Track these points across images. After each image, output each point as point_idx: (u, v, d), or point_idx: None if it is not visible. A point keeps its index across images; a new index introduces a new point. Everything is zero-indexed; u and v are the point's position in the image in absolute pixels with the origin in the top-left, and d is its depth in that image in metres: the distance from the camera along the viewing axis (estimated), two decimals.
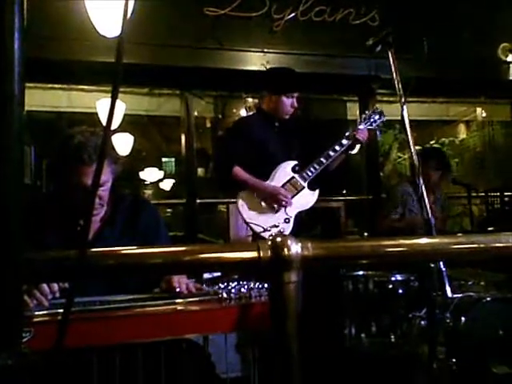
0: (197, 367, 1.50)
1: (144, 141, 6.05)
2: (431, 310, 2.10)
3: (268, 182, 2.86)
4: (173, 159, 6.52)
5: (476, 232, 3.51)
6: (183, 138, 4.55)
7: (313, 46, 4.24)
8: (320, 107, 5.45)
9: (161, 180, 6.74)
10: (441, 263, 1.96)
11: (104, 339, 1.37)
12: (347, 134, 2.97)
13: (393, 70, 2.26)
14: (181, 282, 1.65)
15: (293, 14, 4.21)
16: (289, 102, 2.93)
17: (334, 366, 2.47)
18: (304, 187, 2.88)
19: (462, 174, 6.14)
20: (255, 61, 4.18)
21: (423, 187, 2.13)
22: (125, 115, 4.69)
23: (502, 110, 5.60)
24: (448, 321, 2.04)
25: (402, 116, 2.24)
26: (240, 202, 2.84)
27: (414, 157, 2.21)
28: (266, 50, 4.18)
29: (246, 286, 1.50)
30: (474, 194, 3.82)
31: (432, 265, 1.99)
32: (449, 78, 4.58)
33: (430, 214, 2.05)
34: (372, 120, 3.05)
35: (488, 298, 2.24)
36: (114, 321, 1.40)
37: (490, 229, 3.51)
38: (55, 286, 1.53)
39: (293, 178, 2.88)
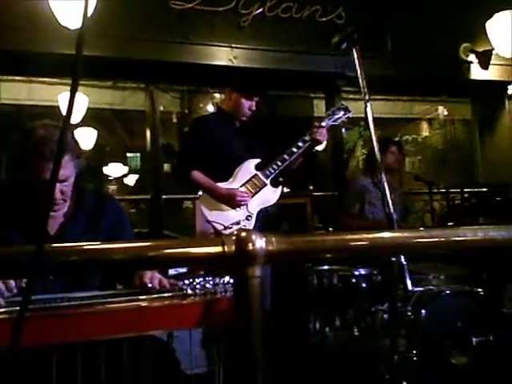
0: (161, 364, 1.49)
1: (108, 135, 5.94)
2: (393, 303, 2.15)
3: (230, 180, 2.89)
4: (138, 154, 6.43)
5: (437, 227, 3.60)
6: (148, 132, 4.49)
7: (280, 43, 4.25)
8: (287, 104, 5.48)
9: (125, 175, 6.64)
10: (402, 257, 2.00)
11: (65, 337, 1.34)
12: (309, 131, 3.00)
13: (357, 67, 2.29)
14: (153, 277, 1.63)
15: (260, 10, 4.21)
16: (247, 105, 2.93)
17: (298, 360, 2.50)
18: (266, 184, 2.91)
19: (424, 170, 6.29)
20: (222, 56, 4.16)
21: (385, 183, 2.16)
22: (88, 109, 4.59)
23: (463, 109, 5.76)
24: (409, 314, 2.09)
25: (366, 113, 2.27)
26: (201, 201, 2.90)
27: (377, 154, 2.25)
28: (233, 46, 4.16)
29: (211, 282, 1.49)
30: (435, 191, 3.92)
31: (394, 259, 2.03)
32: (412, 77, 4.67)
33: (391, 209, 2.09)
34: (336, 116, 3.07)
35: (447, 292, 2.31)
36: (76, 318, 1.37)
37: (450, 224, 3.61)
38: (12, 283, 1.49)
39: (255, 175, 2.91)
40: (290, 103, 5.50)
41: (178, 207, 5.39)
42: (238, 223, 2.80)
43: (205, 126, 2.99)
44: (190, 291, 1.45)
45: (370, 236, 1.18)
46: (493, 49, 4.62)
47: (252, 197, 2.87)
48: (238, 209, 2.83)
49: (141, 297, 1.49)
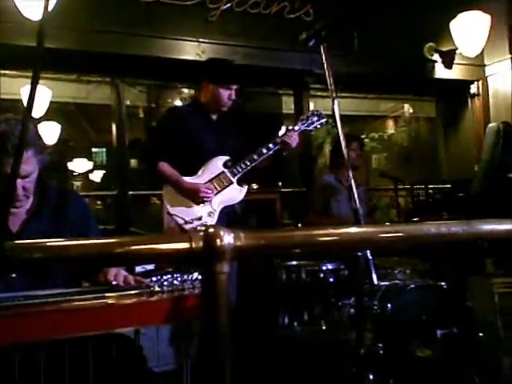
0: (127, 362, 1.47)
1: (72, 130, 5.80)
2: (359, 297, 2.18)
3: (197, 174, 2.86)
4: (104, 149, 6.31)
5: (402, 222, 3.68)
6: (114, 127, 4.42)
7: (248, 38, 4.24)
8: (255, 100, 5.47)
9: (91, 171, 6.51)
10: (368, 252, 2.03)
11: (28, 336, 1.31)
12: (281, 133, 2.99)
13: (325, 65, 2.31)
14: (118, 274, 1.61)
15: (228, 5, 4.19)
16: (226, 94, 2.89)
17: (266, 354, 2.51)
18: (232, 182, 2.89)
19: (390, 167, 6.40)
20: (190, 50, 4.13)
21: (352, 179, 2.19)
22: (51, 102, 4.48)
23: (428, 107, 5.89)
24: (375, 308, 2.13)
25: (333, 110, 2.29)
26: (164, 194, 2.87)
27: (344, 150, 2.27)
28: (200, 40, 4.13)
29: (179, 279, 1.48)
30: (400, 187, 3.99)
31: (360, 254, 2.06)
32: (378, 75, 4.74)
33: (358, 204, 2.12)
34: (310, 121, 3.06)
35: (412, 286, 2.36)
36: (40, 317, 1.34)
37: (415, 219, 3.68)
38: None
39: (222, 172, 2.89)
40: (258, 99, 5.50)
41: (145, 203, 5.32)
42: (199, 219, 2.78)
43: (178, 117, 2.95)
44: (157, 288, 1.43)
45: (338, 231, 1.19)
46: (456, 48, 4.73)
47: (216, 194, 2.85)
48: (201, 204, 2.81)
49: (107, 294, 1.46)
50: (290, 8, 4.38)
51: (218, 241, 0.92)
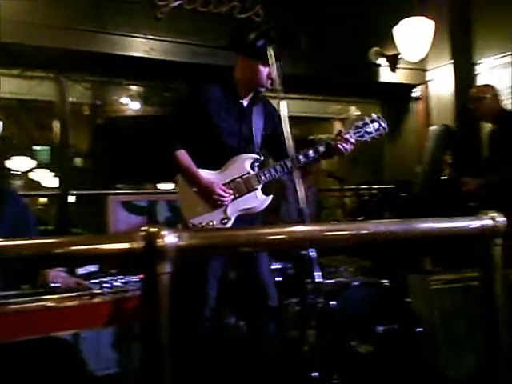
0: (66, 366, 1.43)
1: (13, 127, 5.56)
2: (303, 295, 2.21)
3: (218, 171, 2.45)
4: (46, 148, 6.09)
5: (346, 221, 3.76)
6: (57, 124, 4.27)
7: (199, 36, 4.20)
8: None
9: (32, 170, 6.26)
10: (312, 251, 2.06)
11: None
12: (327, 140, 2.57)
13: (272, 65, 2.32)
14: (58, 276, 1.56)
15: (178, 2, 4.14)
16: (266, 72, 2.46)
17: (211, 354, 2.50)
18: (256, 189, 2.45)
19: (336, 168, 6.53)
20: (138, 47, 4.04)
21: (298, 180, 2.22)
22: None
23: (373, 110, 6.02)
24: (320, 305, 2.16)
25: (281, 111, 2.31)
26: (179, 187, 2.48)
27: (292, 151, 2.29)
28: (149, 37, 4.06)
29: (121, 280, 1.45)
30: (346, 187, 4.09)
31: (304, 252, 2.09)
32: (325, 77, 4.83)
33: (304, 204, 2.15)
34: (367, 130, 2.58)
35: (355, 283, 2.43)
36: None
37: (359, 218, 3.78)
38: None
39: (247, 174, 2.45)
40: None
41: (88, 204, 5.17)
42: (211, 224, 2.37)
43: (203, 96, 2.47)
44: (98, 290, 1.40)
45: (283, 230, 1.20)
46: (400, 53, 4.88)
47: (235, 199, 2.42)
48: (215, 209, 2.40)
49: (46, 297, 1.41)
50: (241, 8, 4.38)
51: (160, 240, 0.91)
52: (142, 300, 0.89)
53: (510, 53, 4.51)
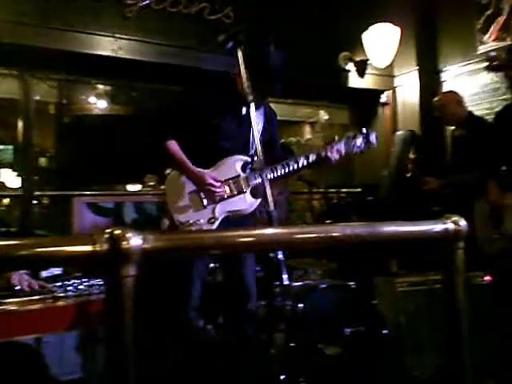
0: (27, 372, 1.38)
1: None
2: (271, 298, 2.22)
3: (209, 170, 2.42)
4: (10, 147, 5.93)
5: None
6: (21, 123, 4.16)
7: (167, 37, 4.17)
8: (166, 100, 5.37)
9: None
10: (280, 253, 2.06)
11: None
12: (319, 151, 2.57)
13: (241, 68, 2.32)
14: (21, 279, 1.51)
15: (147, 2, 4.11)
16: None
17: (180, 358, 2.47)
18: (245, 192, 2.44)
19: (306, 171, 6.58)
20: (106, 45, 3.98)
21: (266, 183, 2.22)
22: None
23: (342, 114, 6.11)
24: (288, 308, 2.17)
25: (250, 114, 2.31)
26: (167, 182, 2.45)
27: (260, 154, 2.29)
28: (117, 36, 4.00)
29: (86, 283, 1.42)
30: (315, 190, 4.12)
31: (273, 255, 2.09)
32: (295, 81, 4.85)
33: (272, 207, 2.15)
34: (355, 143, 2.66)
35: (323, 286, 2.44)
36: None
37: (328, 221, 3.82)
38: None
39: (238, 176, 2.45)
40: (169, 99, 5.41)
41: (53, 205, 5.05)
42: (198, 223, 2.34)
43: (203, 94, 2.46)
44: (62, 293, 1.36)
45: (251, 233, 1.20)
46: (368, 59, 4.96)
47: (224, 200, 2.41)
48: (204, 207, 2.37)
49: (7, 300, 1.37)
50: (211, 9, 4.37)
51: (125, 243, 0.89)
52: (106, 303, 0.87)
53: (473, 61, 4.64)
